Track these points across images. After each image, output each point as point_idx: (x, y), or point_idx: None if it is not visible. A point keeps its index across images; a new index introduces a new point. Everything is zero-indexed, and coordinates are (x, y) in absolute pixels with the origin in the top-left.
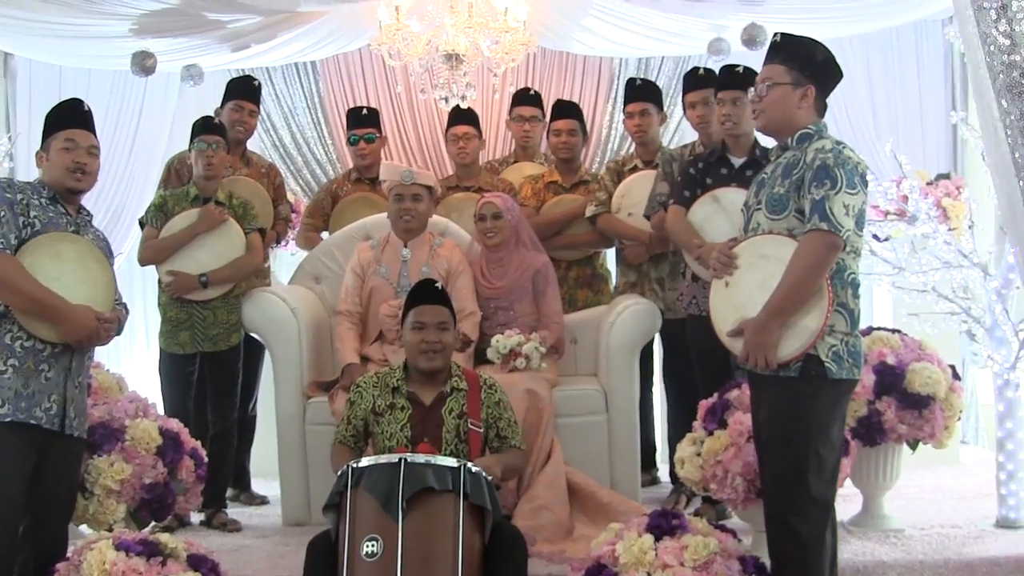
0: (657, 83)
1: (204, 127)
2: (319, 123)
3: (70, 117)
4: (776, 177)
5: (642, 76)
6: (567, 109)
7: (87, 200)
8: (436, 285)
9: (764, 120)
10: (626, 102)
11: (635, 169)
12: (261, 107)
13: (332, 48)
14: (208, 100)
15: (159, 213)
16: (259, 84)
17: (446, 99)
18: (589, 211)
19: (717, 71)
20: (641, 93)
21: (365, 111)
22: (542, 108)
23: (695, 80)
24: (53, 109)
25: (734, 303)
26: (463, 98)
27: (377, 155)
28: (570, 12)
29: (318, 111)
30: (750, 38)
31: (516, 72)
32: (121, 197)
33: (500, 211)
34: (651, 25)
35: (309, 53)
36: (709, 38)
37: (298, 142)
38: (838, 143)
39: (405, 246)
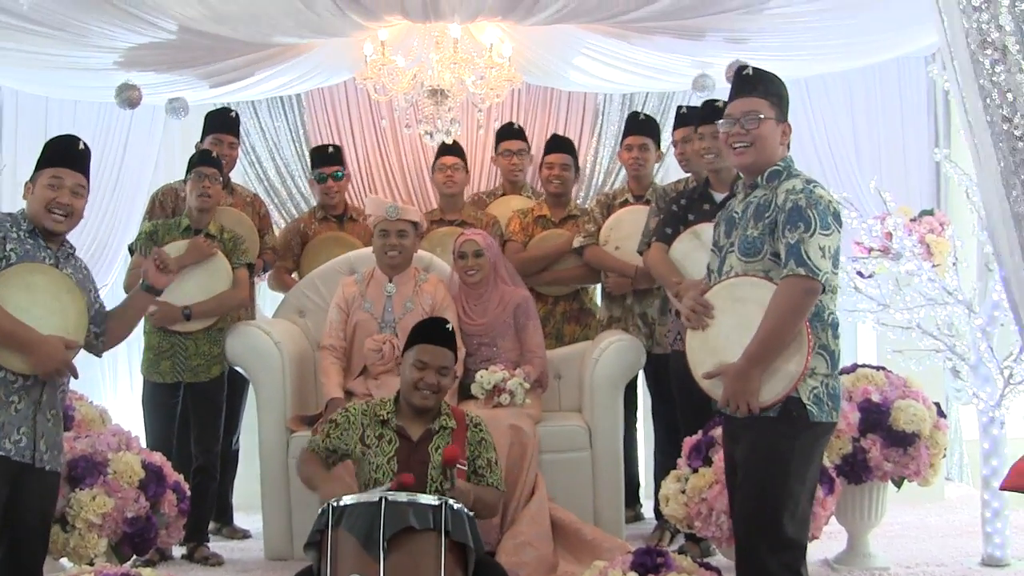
0: None
1: (201, 159)
2: (304, 156)
3: (62, 155)
4: (748, 219)
5: (628, 111)
6: (561, 144)
7: (72, 232)
8: (447, 327)
9: (754, 155)
10: (626, 134)
11: (626, 203)
12: (246, 139)
13: (317, 81)
14: (193, 133)
15: (149, 241)
16: (237, 115)
17: (431, 134)
18: (577, 242)
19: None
20: (642, 127)
21: (331, 148)
22: (527, 141)
23: (678, 118)
24: (49, 142)
25: (711, 347)
26: (448, 133)
27: (343, 193)
28: (556, 49)
29: (303, 144)
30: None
31: (501, 108)
32: (106, 228)
33: (481, 249)
34: (636, 61)
35: (294, 86)
36: (694, 74)
37: (283, 175)
38: (808, 182)
39: (390, 281)
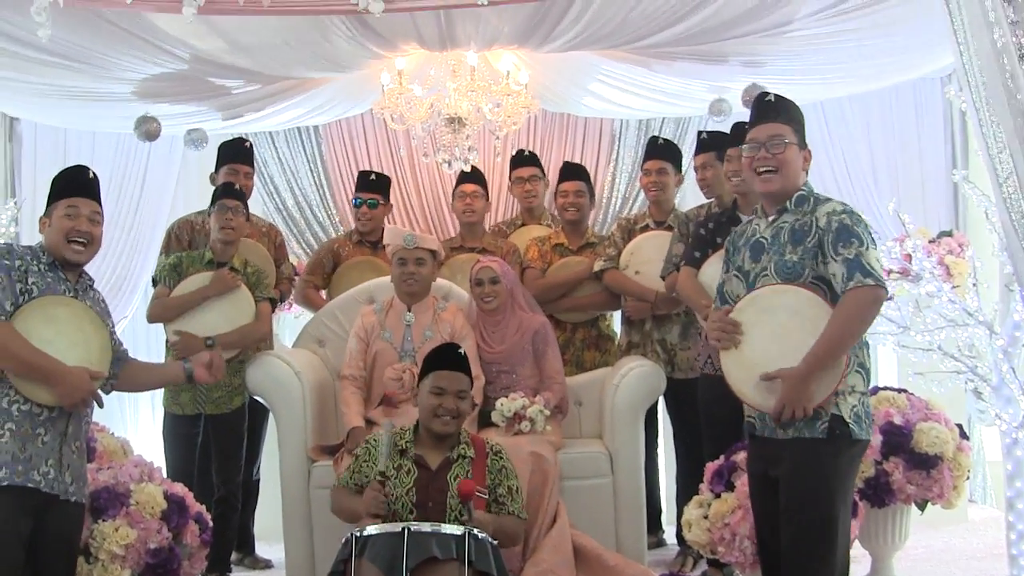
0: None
1: (225, 192)
2: (321, 186)
3: (74, 184)
4: (784, 244)
5: (644, 137)
6: (574, 171)
7: (90, 264)
8: (459, 351)
9: (780, 181)
10: (645, 159)
11: (646, 228)
12: (263, 170)
13: (335, 112)
14: (211, 164)
15: (173, 273)
16: (251, 145)
17: (448, 162)
18: (597, 266)
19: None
20: (662, 152)
21: (374, 176)
22: (540, 167)
23: (699, 144)
24: (59, 175)
25: (751, 362)
26: (466, 161)
27: (379, 221)
28: (572, 75)
29: (321, 174)
30: (751, 99)
31: (518, 135)
32: (125, 261)
33: (497, 275)
34: (653, 87)
35: (312, 117)
36: (710, 99)
37: (300, 205)
38: (843, 204)
39: (409, 310)
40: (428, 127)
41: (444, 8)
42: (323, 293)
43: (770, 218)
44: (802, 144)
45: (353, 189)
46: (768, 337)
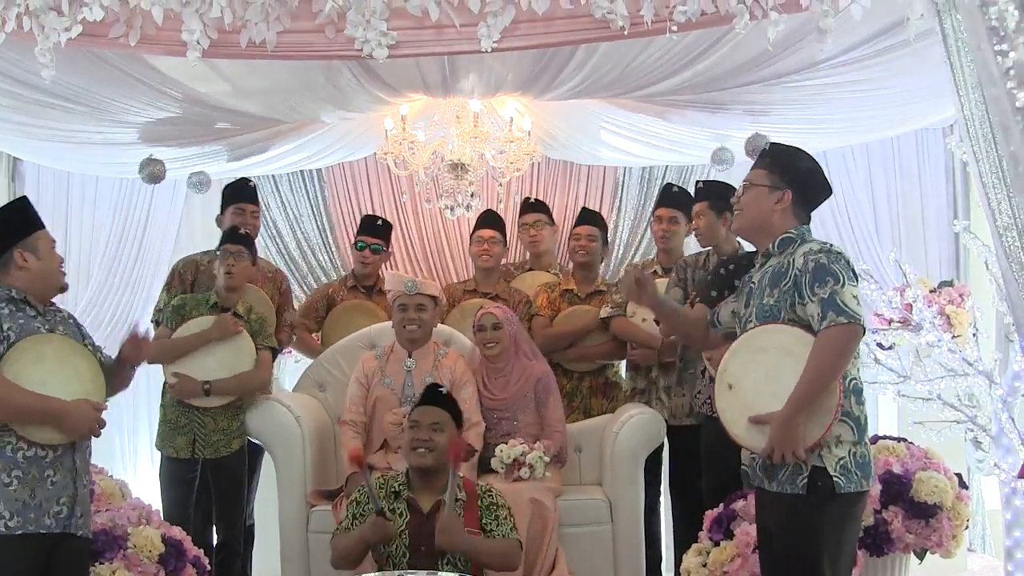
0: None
1: (229, 236)
2: (324, 230)
3: (35, 219)
4: (764, 287)
5: (646, 186)
6: (589, 216)
7: (91, 306)
8: (440, 389)
9: (739, 222)
10: (657, 205)
11: (655, 275)
12: (267, 213)
13: (338, 156)
14: (215, 207)
15: (176, 315)
16: (254, 184)
17: (451, 208)
18: (604, 312)
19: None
20: (675, 200)
21: (380, 222)
22: (547, 212)
23: (694, 193)
24: (13, 217)
25: (744, 403)
26: (468, 207)
27: (376, 267)
28: (575, 122)
29: (323, 218)
30: (754, 148)
31: (521, 181)
32: (127, 302)
33: (500, 322)
34: (656, 135)
35: (315, 161)
36: (713, 147)
37: (303, 249)
38: (824, 243)
39: (409, 356)
40: (431, 172)
41: (448, 55)
42: (317, 335)
43: (758, 263)
44: (776, 185)
45: (355, 233)
46: (761, 378)
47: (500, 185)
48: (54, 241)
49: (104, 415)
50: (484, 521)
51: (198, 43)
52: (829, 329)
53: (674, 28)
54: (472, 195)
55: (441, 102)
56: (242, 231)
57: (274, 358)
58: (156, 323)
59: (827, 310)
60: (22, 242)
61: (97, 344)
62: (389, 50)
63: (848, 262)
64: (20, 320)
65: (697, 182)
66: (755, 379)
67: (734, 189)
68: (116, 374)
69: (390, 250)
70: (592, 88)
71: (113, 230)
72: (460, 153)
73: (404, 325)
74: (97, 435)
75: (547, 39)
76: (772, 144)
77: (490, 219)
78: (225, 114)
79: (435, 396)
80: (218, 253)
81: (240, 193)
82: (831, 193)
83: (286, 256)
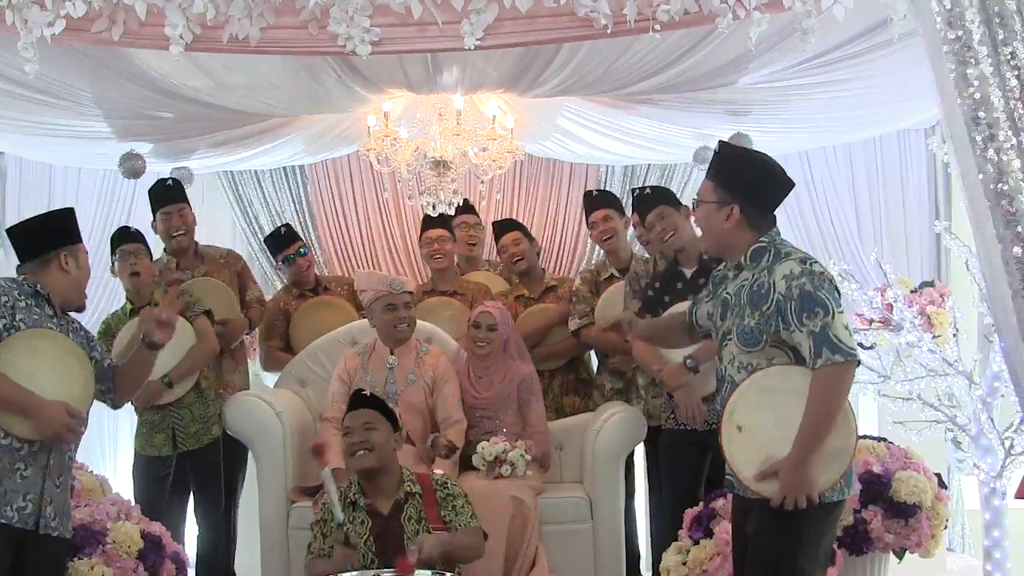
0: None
1: (121, 238)
2: (307, 227)
3: (79, 231)
4: (743, 305)
5: (628, 184)
6: (506, 225)
7: None
8: (364, 392)
9: (704, 243)
10: (586, 215)
11: (611, 278)
12: (249, 210)
13: (321, 153)
14: (196, 201)
15: (106, 338)
16: (176, 181)
17: (433, 205)
18: (573, 325)
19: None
20: (599, 202)
21: (283, 230)
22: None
23: (635, 200)
24: (65, 219)
25: (756, 445)
26: (450, 204)
27: (312, 267)
28: (557, 120)
29: (306, 215)
30: None
31: (503, 179)
32: (109, 297)
33: (496, 324)
34: (637, 133)
35: (298, 157)
36: (695, 147)
37: None
38: (803, 261)
39: (391, 353)
40: (413, 170)
41: (431, 52)
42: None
43: (731, 275)
44: (723, 200)
45: (339, 229)
46: (774, 420)
47: (482, 183)
48: (88, 254)
49: (85, 411)
50: (443, 512)
51: (181, 38)
52: (826, 368)
53: (657, 27)
54: (454, 192)
55: (424, 99)
56: (132, 228)
57: (212, 322)
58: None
59: (821, 347)
60: (68, 247)
61: (104, 353)
62: (372, 47)
63: (831, 281)
64: (35, 316)
65: (643, 188)
66: (768, 422)
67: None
68: (135, 362)
69: (307, 242)
70: (576, 86)
71: (95, 226)
72: (442, 150)
73: (395, 325)
74: (67, 441)
75: (530, 37)
76: (720, 146)
77: (436, 219)
78: (208, 109)
79: (361, 399)
80: (115, 258)
81: (161, 197)
82: (791, 187)
83: (268, 252)
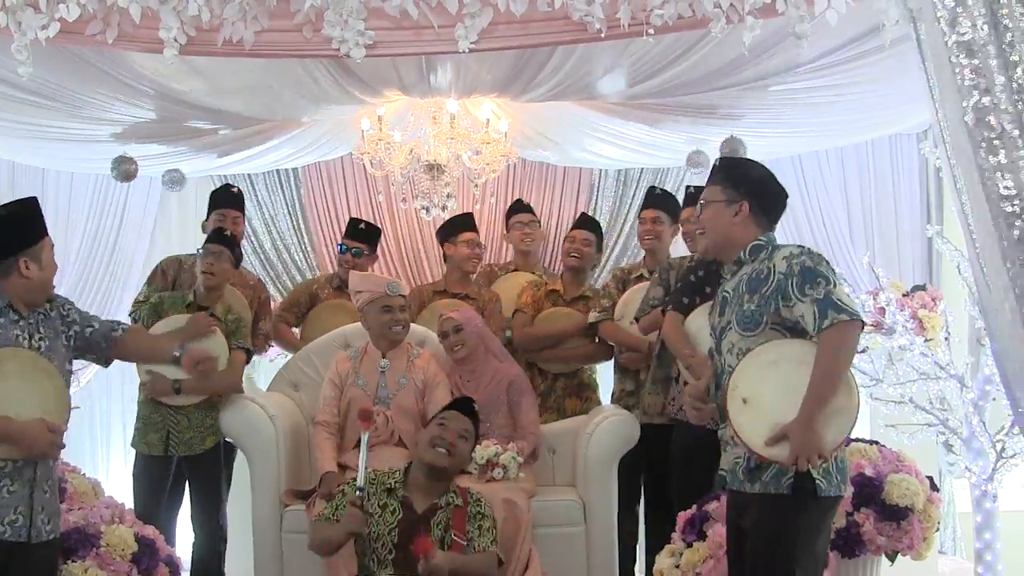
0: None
1: (213, 237)
2: (300, 230)
3: (43, 224)
4: (741, 294)
5: (622, 187)
6: (587, 222)
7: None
8: (473, 405)
9: (704, 242)
10: (643, 207)
11: (641, 278)
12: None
13: (315, 156)
14: (190, 205)
15: (153, 312)
16: (239, 191)
17: (427, 209)
18: (592, 317)
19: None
20: (658, 201)
21: (363, 226)
22: (534, 214)
23: (686, 197)
24: (25, 218)
25: (762, 414)
26: (444, 208)
27: (361, 270)
28: (551, 124)
29: (299, 218)
30: (730, 151)
31: (497, 182)
32: (101, 299)
33: (460, 323)
34: (630, 137)
35: (292, 160)
36: (688, 151)
37: (278, 248)
38: (801, 247)
39: (383, 356)
40: (407, 173)
41: (425, 55)
42: (296, 331)
43: (730, 272)
44: (732, 198)
45: (332, 233)
46: (778, 390)
47: (476, 186)
48: (53, 246)
49: (78, 414)
50: (468, 527)
51: (175, 41)
52: (834, 327)
53: (651, 31)
54: (448, 196)
55: (418, 102)
56: (227, 232)
57: (248, 360)
58: (134, 319)
59: (826, 308)
60: (28, 250)
61: (90, 320)
62: (367, 50)
63: (828, 263)
64: (0, 324)
65: (688, 187)
66: (773, 392)
67: None
68: (152, 350)
69: (375, 255)
70: (569, 90)
71: (87, 228)
72: (436, 154)
73: (391, 327)
74: (54, 457)
75: (524, 41)
76: (721, 159)
77: (471, 222)
78: (202, 112)
79: (469, 408)
80: (199, 253)
81: (222, 199)
82: (787, 197)
83: (261, 256)
